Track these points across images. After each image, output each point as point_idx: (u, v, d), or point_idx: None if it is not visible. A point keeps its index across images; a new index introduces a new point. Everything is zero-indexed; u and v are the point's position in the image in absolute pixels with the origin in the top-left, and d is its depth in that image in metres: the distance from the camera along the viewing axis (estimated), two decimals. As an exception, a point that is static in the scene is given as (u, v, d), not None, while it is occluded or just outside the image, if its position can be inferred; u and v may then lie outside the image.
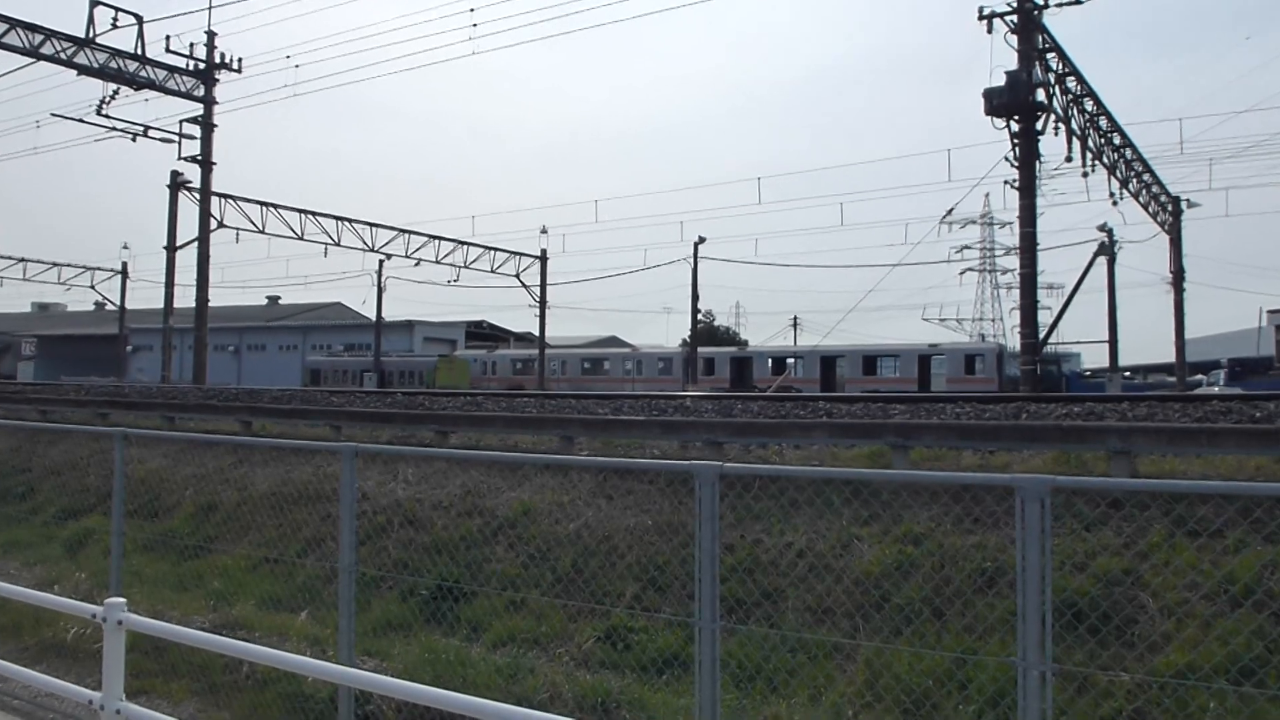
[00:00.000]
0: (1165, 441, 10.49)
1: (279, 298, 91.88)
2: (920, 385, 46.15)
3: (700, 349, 51.07)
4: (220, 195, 37.63)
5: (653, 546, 9.57)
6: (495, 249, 50.02)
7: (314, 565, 10.14)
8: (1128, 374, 50.81)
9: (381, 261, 52.95)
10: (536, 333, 54.90)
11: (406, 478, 12.54)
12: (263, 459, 13.93)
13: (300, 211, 40.86)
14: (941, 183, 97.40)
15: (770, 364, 52.07)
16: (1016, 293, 28.63)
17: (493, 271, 50.02)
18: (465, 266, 48.45)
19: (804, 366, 49.25)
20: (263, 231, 39.13)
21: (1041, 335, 27.31)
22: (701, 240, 48.85)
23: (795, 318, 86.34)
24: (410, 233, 46.03)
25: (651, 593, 8.91)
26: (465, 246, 48.38)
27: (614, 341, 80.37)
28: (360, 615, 7.88)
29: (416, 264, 46.81)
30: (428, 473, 12.54)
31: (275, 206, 39.75)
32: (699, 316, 57.32)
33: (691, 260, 49.07)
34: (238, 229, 38.46)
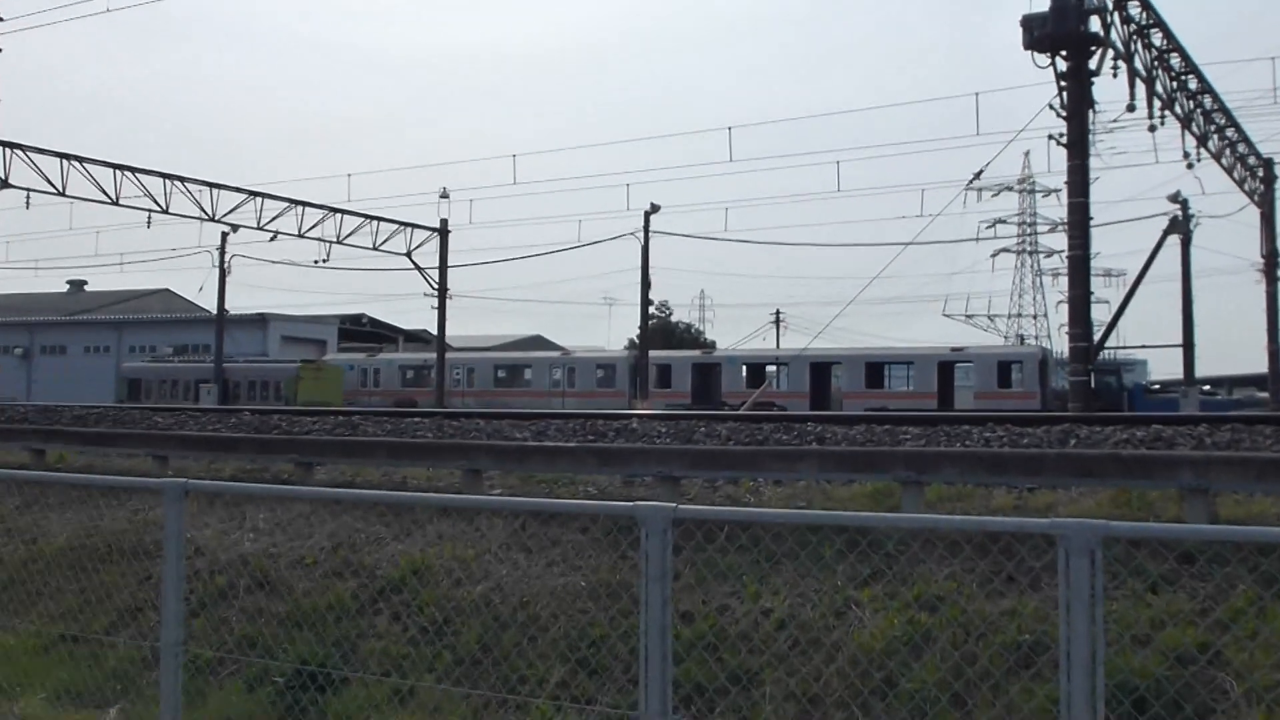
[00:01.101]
0: (1254, 477, 10.71)
1: (85, 283, 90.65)
2: (940, 401, 46.84)
3: (653, 353, 51.32)
4: (5, 145, 37.03)
5: (586, 615, 9.57)
6: (379, 219, 49.72)
7: (128, 644, 9.98)
8: (1206, 388, 51.88)
9: (225, 235, 52.57)
10: (434, 330, 54.62)
11: (257, 525, 12.41)
12: (60, 501, 13.71)
13: (115, 167, 40.14)
14: (968, 137, 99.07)
15: (745, 373, 52.42)
16: (1064, 281, 29.15)
17: (375, 249, 49.69)
18: (338, 242, 48.12)
19: (789, 376, 49.93)
20: (63, 194, 38.47)
21: (1096, 337, 27.90)
22: (654, 209, 48.92)
23: (778, 312, 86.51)
24: (264, 196, 45.52)
25: (584, 676, 8.90)
26: (338, 215, 48.04)
27: (538, 343, 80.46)
28: (191, 712, 7.77)
29: (272, 238, 46.33)
30: (286, 519, 12.43)
31: (81, 160, 39.04)
32: (651, 310, 57.36)
33: (641, 236, 49.14)
34: (29, 189, 37.86)
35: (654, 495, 12.94)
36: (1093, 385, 26.45)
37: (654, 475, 13.21)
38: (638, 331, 53.36)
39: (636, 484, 13.91)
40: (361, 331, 77.21)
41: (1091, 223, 26.24)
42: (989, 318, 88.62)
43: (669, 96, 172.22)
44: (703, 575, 9.47)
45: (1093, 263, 26.66)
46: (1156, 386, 52.10)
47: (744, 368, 51.91)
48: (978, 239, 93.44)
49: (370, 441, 16.39)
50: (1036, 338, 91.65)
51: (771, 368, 52.15)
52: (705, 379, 52.01)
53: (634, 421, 19.04)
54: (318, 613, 10.42)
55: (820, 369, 49.97)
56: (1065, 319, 26.45)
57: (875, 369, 49.38)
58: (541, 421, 19.42)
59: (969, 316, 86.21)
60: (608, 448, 14.38)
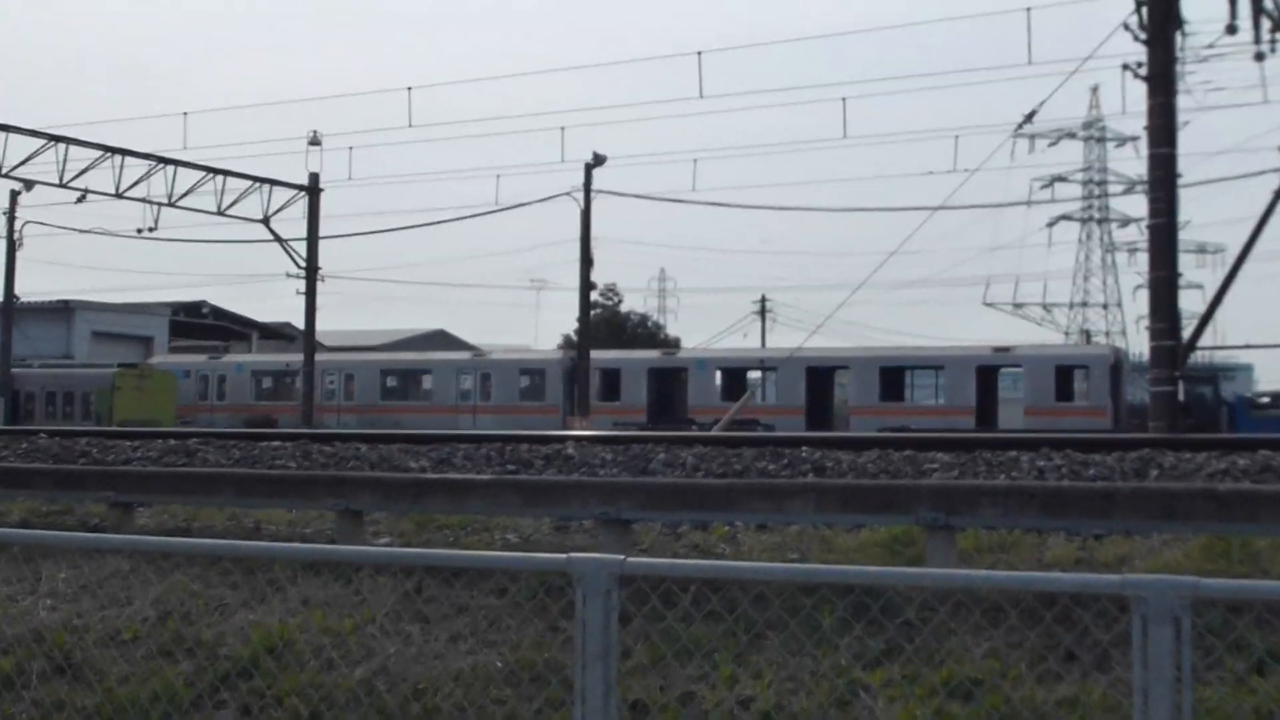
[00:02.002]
0: (1391, 518, 10.88)
1: None
2: (979, 419, 47.50)
3: (596, 354, 51.46)
4: None
5: (502, 707, 9.55)
6: (226, 173, 49.43)
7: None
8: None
9: (14, 195, 52.29)
10: (300, 324, 54.39)
11: (56, 588, 12.30)
12: None
13: None
14: (1016, 66, 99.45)
15: (719, 380, 53.18)
16: (1143, 259, 29.42)
17: (221, 213, 49.44)
18: (171, 204, 47.82)
19: (778, 385, 50.55)
20: None
21: (1186, 333, 28.10)
22: (598, 161, 49.06)
23: (763, 300, 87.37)
24: (68, 142, 45.11)
25: (500, 791, 8.89)
26: (171, 169, 47.68)
27: (442, 341, 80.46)
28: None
29: (80, 199, 46.02)
30: (96, 578, 12.32)
31: None
32: (595, 296, 57.32)
33: (581, 196, 49.23)
34: None
35: (596, 545, 12.89)
36: (1181, 398, 26.71)
37: (596, 518, 13.19)
38: (576, 325, 53.51)
39: (573, 530, 13.87)
40: (202, 325, 76.81)
41: (1180, 181, 26.55)
42: (1044, 307, 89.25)
43: (618, 9, 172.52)
44: (660, 652, 9.47)
45: (1182, 235, 27.02)
46: (1265, 399, 52.61)
47: (718, 374, 52.27)
48: (1029, 203, 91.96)
49: (212, 474, 16.28)
50: (1107, 334, 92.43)
51: (755, 374, 52.40)
52: (666, 389, 52.18)
53: (570, 446, 19.11)
54: (138, 706, 10.32)
55: (819, 376, 50.25)
56: (1145, 310, 26.75)
57: (893, 376, 49.74)
58: (445, 446, 19.42)
59: (1017, 306, 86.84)
60: (534, 481, 14.36)
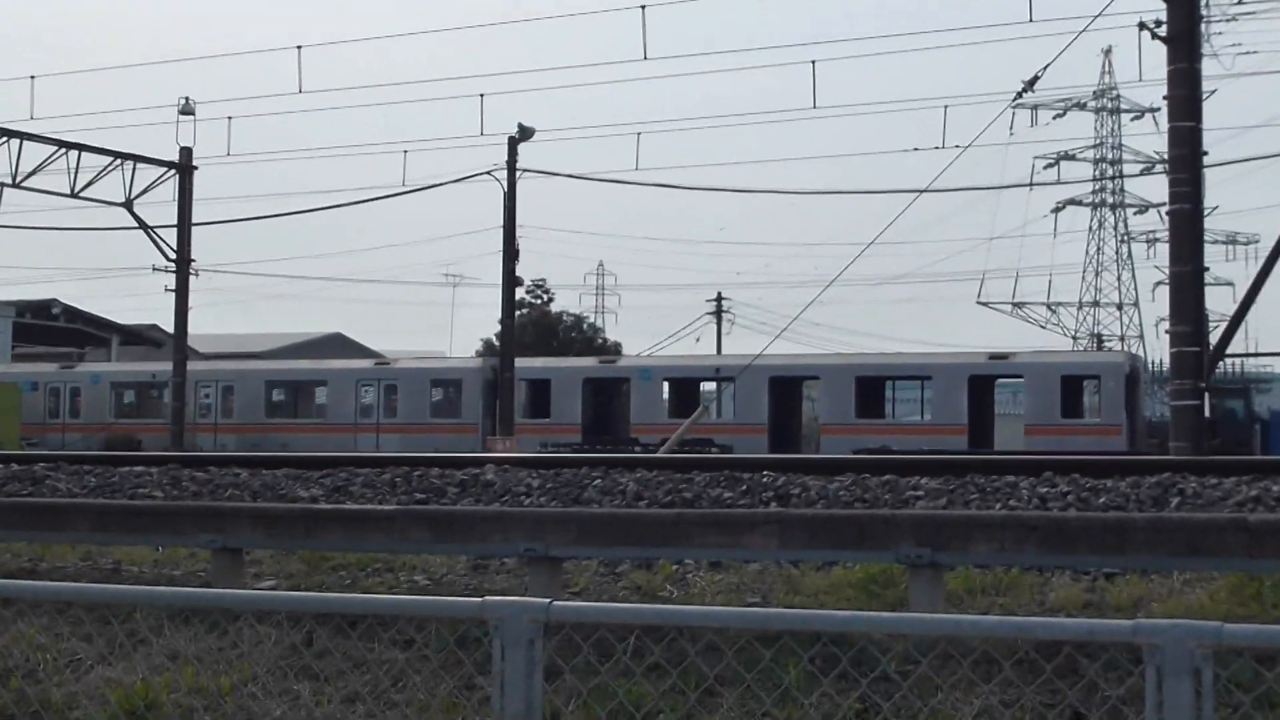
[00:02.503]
0: None
1: None
2: (973, 437, 48.12)
3: (522, 362, 51.35)
4: None
5: (409, 780, 9.53)
6: (81, 147, 49.13)
7: None
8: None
9: None
10: (169, 327, 54.07)
11: None
12: None
13: None
14: (1016, 25, 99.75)
15: (667, 393, 53.87)
16: (1163, 250, 29.53)
17: (75, 195, 49.12)
18: (15, 185, 47.48)
19: (736, 399, 50.80)
20: None
21: (1214, 338, 28.24)
22: (524, 135, 49.00)
23: (719, 298, 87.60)
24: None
25: None
26: (15, 142, 47.36)
27: (340, 346, 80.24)
28: None
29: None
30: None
31: None
32: (521, 295, 57.08)
33: (504, 176, 49.18)
34: None
35: (519, 587, 12.91)
36: (1208, 413, 26.89)
37: (520, 555, 13.18)
38: (498, 328, 53.45)
39: (492, 569, 13.87)
40: (52, 328, 76.14)
41: (1206, 160, 26.78)
42: (1049, 307, 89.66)
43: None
44: (593, 713, 9.47)
45: (1209, 222, 27.26)
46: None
47: (665, 385, 52.63)
48: (1031, 185, 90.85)
49: (63, 504, 16.15)
50: (1122, 339, 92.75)
51: (709, 385, 52.50)
52: (605, 403, 52.31)
53: (490, 470, 19.07)
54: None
55: (785, 388, 50.41)
56: (1165, 310, 26.89)
57: (871, 388, 49.91)
58: (342, 471, 19.38)
59: (1017, 306, 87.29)
60: (447, 512, 14.33)
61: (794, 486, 16.81)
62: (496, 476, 18.53)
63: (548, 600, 5.68)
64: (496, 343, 56.90)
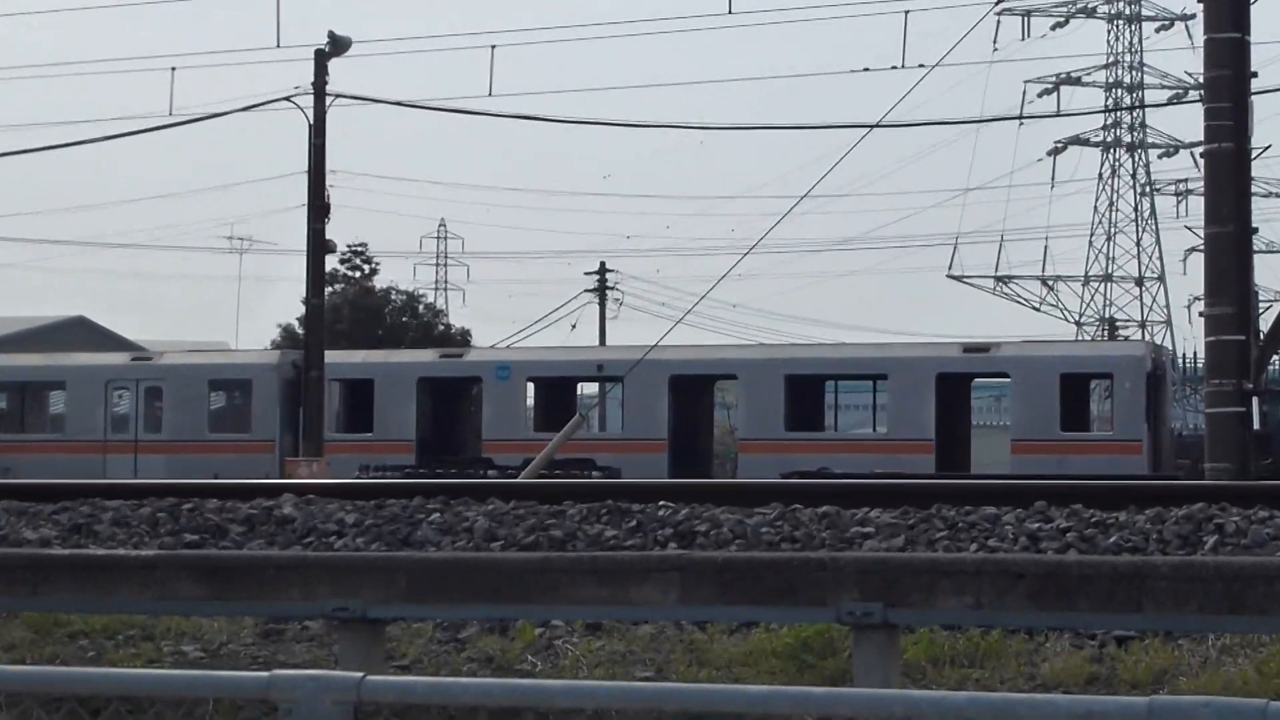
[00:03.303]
0: None
1: None
2: (942, 456, 48.78)
3: (334, 357, 51.06)
4: None
5: None
6: None
7: None
8: None
9: None
10: None
11: None
12: None
13: None
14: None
15: (532, 396, 54.61)
16: (1195, 207, 29.60)
17: None
18: None
19: (625, 405, 51.53)
20: None
21: (1265, 323, 28.37)
22: (338, 47, 48.86)
23: (603, 270, 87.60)
24: None
25: None
26: None
27: (84, 335, 79.53)
28: None
29: None
30: None
31: None
32: (335, 266, 56.48)
33: (310, 105, 49.03)
34: None
35: (326, 659, 12.82)
36: (1256, 423, 27.01)
37: (328, 616, 13.10)
38: (303, 312, 53.11)
39: (289, 636, 13.75)
40: None
41: (1255, 84, 26.95)
42: (1044, 283, 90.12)
43: None
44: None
45: (1258, 167, 27.38)
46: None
47: (529, 387, 53.01)
48: (1022, 118, 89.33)
49: None
50: (1143, 325, 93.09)
51: (589, 387, 52.45)
52: (447, 411, 52.19)
53: (288, 502, 19.01)
54: None
55: (691, 390, 50.44)
56: (1200, 286, 26.95)
57: (806, 390, 50.08)
58: (85, 504, 19.20)
59: (1002, 280, 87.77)
60: (229, 559, 14.25)
61: (701, 521, 16.80)
62: (297, 510, 18.41)
63: (360, 675, 5.60)
64: (300, 330, 56.65)
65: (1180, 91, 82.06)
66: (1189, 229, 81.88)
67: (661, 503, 17.74)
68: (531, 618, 13.31)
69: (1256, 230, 27.34)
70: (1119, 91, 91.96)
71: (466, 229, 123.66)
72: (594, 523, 17.05)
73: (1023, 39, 78.01)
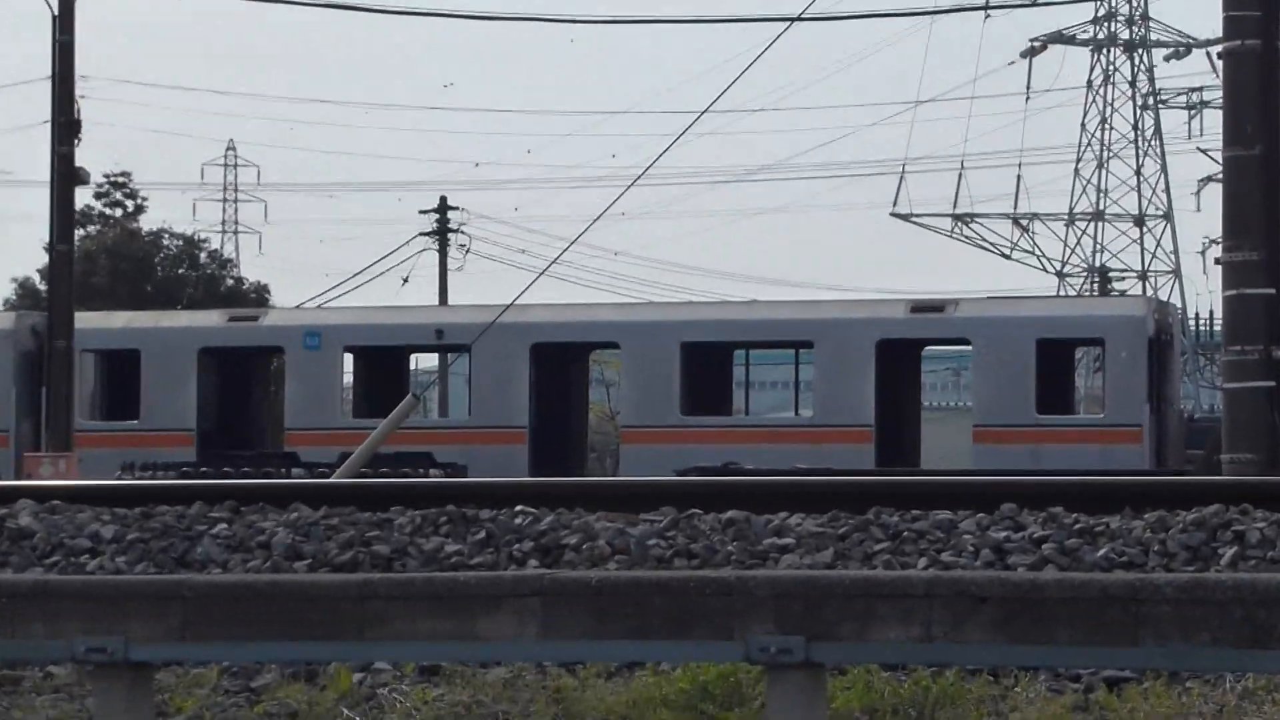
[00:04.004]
0: None
1: None
2: (884, 445, 49.49)
3: (85, 320, 50.73)
4: None
5: None
6: None
7: None
8: None
9: None
10: None
11: None
12: None
13: None
14: None
15: (350, 370, 55.34)
16: (1212, 125, 29.67)
17: None
18: None
19: (473, 382, 52.49)
20: None
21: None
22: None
23: (443, 208, 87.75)
24: None
25: None
26: None
27: None
28: None
29: None
30: None
31: None
32: (87, 201, 56.24)
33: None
34: None
35: (75, 714, 12.79)
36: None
37: (80, 659, 13.03)
38: (45, 261, 53.01)
39: (27, 686, 13.70)
40: None
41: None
42: (1017, 222, 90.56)
43: None
44: None
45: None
46: None
47: (347, 358, 53.35)
48: (988, 5, 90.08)
49: None
50: (1144, 276, 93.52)
51: (425, 359, 52.45)
52: (238, 391, 52.17)
53: (24, 512, 18.85)
54: None
55: (559, 362, 50.41)
56: (1218, 226, 27.08)
57: (708, 361, 50.06)
58: None
59: (962, 220, 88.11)
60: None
61: (570, 532, 16.80)
62: (38, 522, 18.31)
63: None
64: (42, 286, 56.68)
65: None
66: (1203, 152, 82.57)
67: (519, 508, 17.73)
68: (349, 659, 13.23)
69: (1288, 159, 27.36)
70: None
71: (262, 154, 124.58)
72: (431, 535, 17.03)
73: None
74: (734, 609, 12.25)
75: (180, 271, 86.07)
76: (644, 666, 12.81)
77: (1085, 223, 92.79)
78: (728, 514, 17.02)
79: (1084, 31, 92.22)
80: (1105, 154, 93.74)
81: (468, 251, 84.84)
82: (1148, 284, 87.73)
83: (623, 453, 47.82)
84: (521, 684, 13.15)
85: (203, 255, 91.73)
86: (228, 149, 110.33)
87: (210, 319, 56.67)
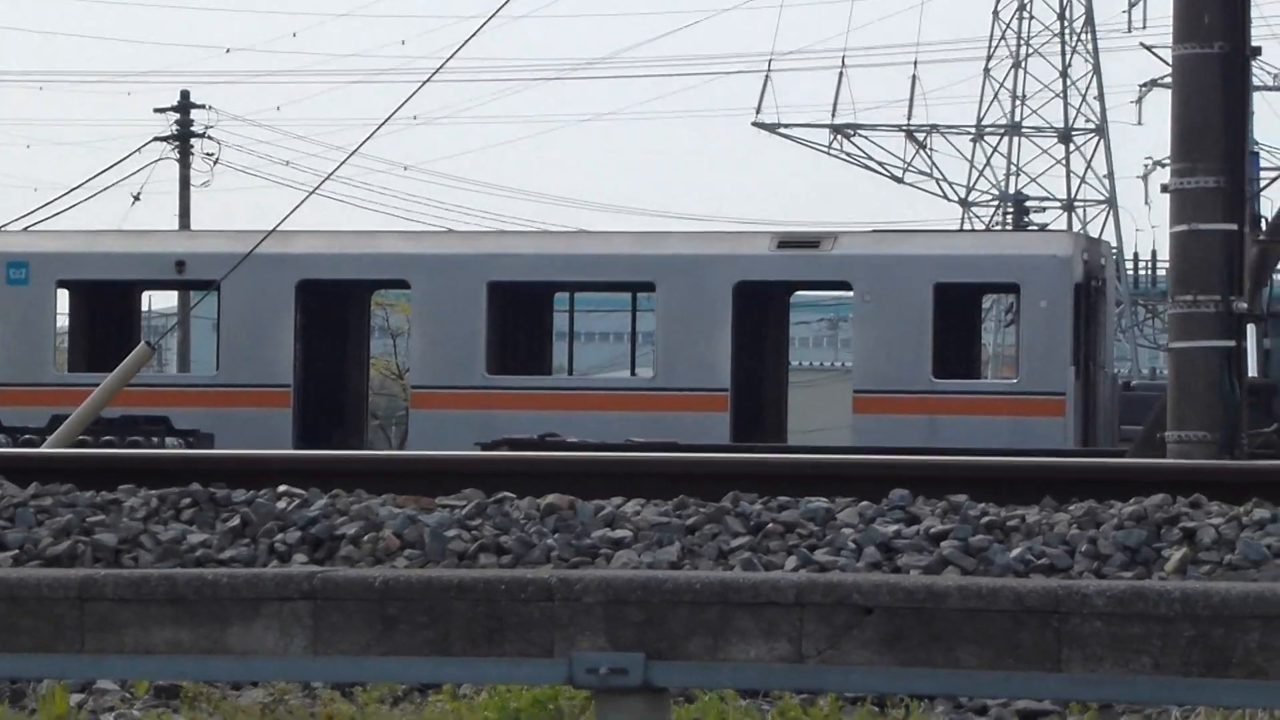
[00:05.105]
0: None
1: None
2: (740, 413, 50.14)
3: None
4: None
5: None
6: None
7: None
8: None
9: None
10: None
11: None
12: None
13: None
14: None
15: (66, 311, 53.11)
16: (1157, 16, 30.00)
17: None
18: None
19: (222, 328, 50.71)
20: None
21: (1274, 201, 28.69)
22: None
23: (185, 102, 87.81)
24: None
25: None
26: None
27: None
28: None
29: None
30: None
31: None
32: None
33: None
34: None
35: None
36: (1253, 367, 27.32)
37: None
38: None
39: None
40: None
41: None
42: (911, 136, 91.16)
43: None
44: None
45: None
46: None
47: (60, 295, 52.00)
48: None
49: None
50: (1069, 208, 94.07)
51: (163, 298, 52.59)
52: None
53: None
54: None
55: (333, 305, 50.44)
56: (1166, 145, 27.30)
57: (522, 306, 50.18)
58: None
59: (842, 133, 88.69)
60: None
61: (348, 520, 16.82)
62: None
63: None
64: None
65: None
66: (1148, 49, 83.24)
67: (283, 489, 17.70)
68: (65, 676, 13.23)
69: (1258, 52, 27.38)
70: None
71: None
72: (170, 521, 16.99)
73: None
74: (555, 618, 12.27)
75: None
76: (440, 689, 12.81)
77: (997, 138, 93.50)
78: (547, 499, 17.04)
79: None
80: (1023, 50, 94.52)
81: (216, 162, 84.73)
82: (1074, 216, 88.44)
83: (413, 420, 47.75)
84: (284, 710, 13.15)
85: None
86: None
87: None
